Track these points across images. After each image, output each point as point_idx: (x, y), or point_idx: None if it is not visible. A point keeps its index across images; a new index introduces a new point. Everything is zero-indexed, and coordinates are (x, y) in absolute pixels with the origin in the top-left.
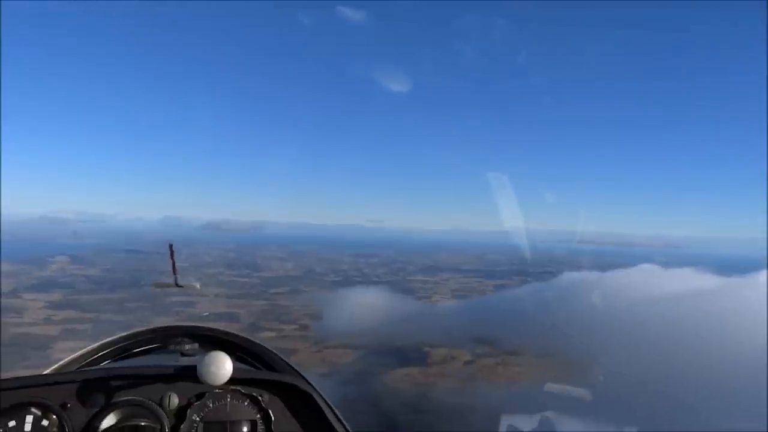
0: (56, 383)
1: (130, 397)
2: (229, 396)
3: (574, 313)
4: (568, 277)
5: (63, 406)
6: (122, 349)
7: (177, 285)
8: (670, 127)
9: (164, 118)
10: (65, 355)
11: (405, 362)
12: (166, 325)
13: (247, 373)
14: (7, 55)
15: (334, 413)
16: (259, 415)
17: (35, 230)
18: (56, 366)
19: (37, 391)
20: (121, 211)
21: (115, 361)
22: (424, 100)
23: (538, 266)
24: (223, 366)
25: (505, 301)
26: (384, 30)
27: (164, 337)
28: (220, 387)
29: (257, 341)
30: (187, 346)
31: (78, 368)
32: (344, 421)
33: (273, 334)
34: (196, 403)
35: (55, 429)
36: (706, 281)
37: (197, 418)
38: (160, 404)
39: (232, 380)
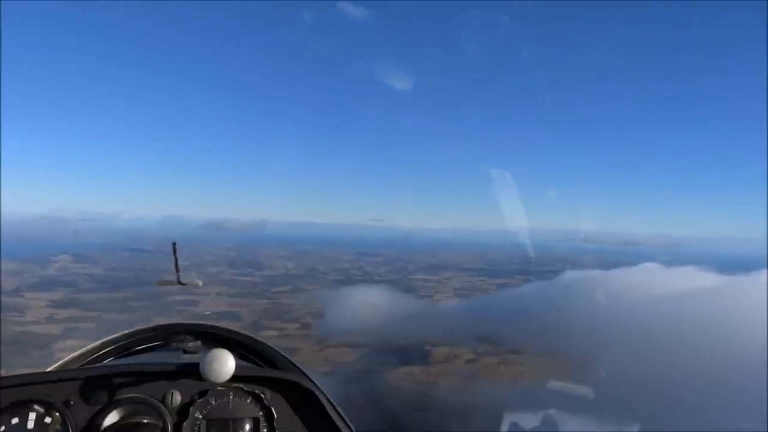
0: (59, 380)
1: (132, 395)
2: (231, 393)
3: (576, 312)
4: (570, 275)
5: (66, 403)
6: (125, 347)
7: (179, 282)
8: (672, 126)
9: (165, 116)
10: (67, 354)
11: (407, 361)
12: (168, 322)
13: (249, 370)
14: (7, 53)
15: (337, 411)
16: (261, 413)
17: (36, 229)
18: (59, 363)
19: (40, 389)
20: (123, 210)
21: (118, 358)
22: (427, 97)
23: (541, 265)
24: (225, 363)
25: (507, 300)
26: (386, 27)
27: (167, 335)
28: (223, 384)
29: (259, 339)
30: (190, 344)
31: (81, 366)
32: (346, 419)
33: (275, 332)
34: (198, 401)
35: (58, 426)
36: (707, 280)
37: (200, 416)
38: (163, 402)
39: (234, 378)
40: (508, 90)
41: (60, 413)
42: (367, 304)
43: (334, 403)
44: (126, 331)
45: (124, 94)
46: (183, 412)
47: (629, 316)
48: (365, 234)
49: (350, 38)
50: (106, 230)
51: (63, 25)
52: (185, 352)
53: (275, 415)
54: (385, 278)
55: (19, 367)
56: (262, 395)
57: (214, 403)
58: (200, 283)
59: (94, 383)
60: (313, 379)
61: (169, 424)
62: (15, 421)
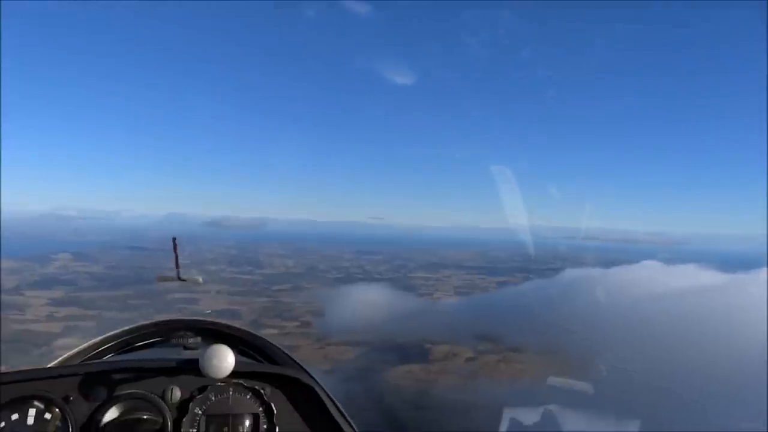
0: (59, 376)
1: (132, 391)
2: (231, 389)
3: (577, 310)
4: (571, 273)
5: (66, 399)
6: (125, 343)
7: (179, 278)
8: (673, 124)
9: (166, 115)
10: (67, 351)
11: (407, 359)
12: (168, 318)
13: (249, 366)
14: (8, 52)
15: (337, 407)
16: (261, 409)
17: (37, 227)
18: (59, 360)
19: (40, 385)
20: (124, 208)
21: (118, 354)
22: (427, 95)
23: (541, 263)
24: (225, 359)
25: (507, 298)
26: (386, 23)
27: (167, 331)
28: (223, 380)
29: (259, 335)
30: (190, 340)
31: (81, 362)
32: (346, 415)
33: (275, 331)
34: (198, 397)
35: (57, 422)
36: (708, 278)
37: (199, 412)
38: (163, 397)
39: (234, 373)
40: (509, 87)
41: (60, 409)
42: (367, 303)
43: (334, 399)
44: (126, 328)
45: (124, 93)
46: (183, 407)
47: (629, 314)
48: (365, 232)
49: (350, 36)
50: (107, 228)
51: (63, 24)
52: (185, 348)
53: (275, 411)
54: (385, 276)
55: (18, 365)
56: (262, 391)
57: (213, 398)
58: (200, 280)
59: (93, 379)
60: (313, 375)
61: (168, 419)
62: (15, 417)
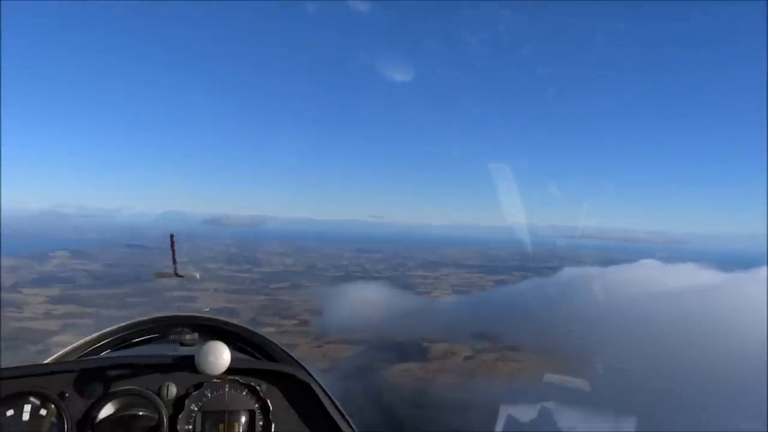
0: (55, 372)
1: (128, 387)
2: (227, 386)
3: (575, 309)
4: (569, 272)
5: (61, 395)
6: (122, 339)
7: (177, 275)
8: (673, 122)
9: (166, 112)
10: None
11: (405, 357)
12: (165, 315)
13: (245, 362)
14: (8, 49)
15: (334, 403)
16: (257, 405)
17: (36, 225)
18: (56, 356)
19: (36, 381)
20: (123, 206)
21: (115, 350)
22: (427, 92)
23: (540, 261)
24: (221, 356)
25: (505, 297)
26: (386, 20)
27: (164, 327)
28: (219, 377)
29: (257, 331)
30: (187, 336)
31: (78, 358)
32: (344, 412)
33: (273, 329)
34: (194, 393)
35: (53, 418)
36: (707, 277)
37: (195, 408)
38: (159, 394)
39: (230, 370)
40: (509, 85)
41: (55, 405)
42: (366, 301)
43: (331, 396)
44: (123, 324)
45: (124, 91)
46: (178, 404)
47: (628, 313)
48: (365, 230)
49: (350, 33)
50: (107, 226)
51: (63, 22)
52: (182, 344)
53: (271, 408)
54: (384, 275)
55: (16, 363)
56: (258, 388)
57: (209, 395)
58: (198, 276)
59: (89, 375)
60: (311, 372)
61: (164, 416)
62: (10, 413)
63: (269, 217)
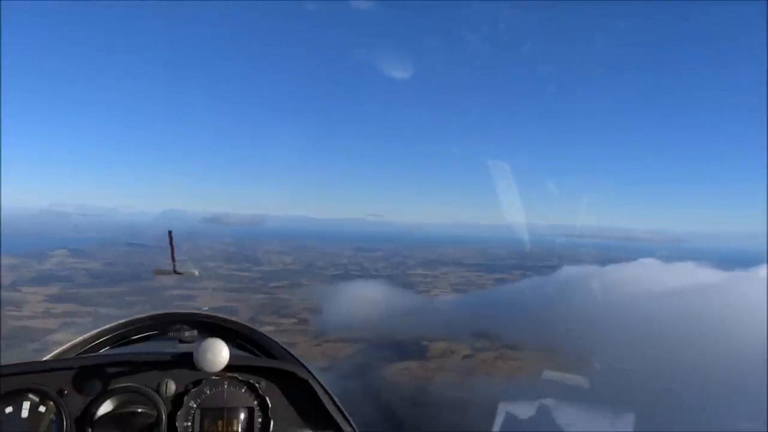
0: (53, 370)
1: (127, 384)
2: (226, 383)
3: (574, 308)
4: (568, 271)
5: (60, 392)
6: (121, 336)
7: (175, 272)
8: (673, 121)
9: (166, 111)
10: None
11: (404, 356)
12: (164, 312)
13: (244, 360)
14: (7, 49)
15: (333, 400)
16: (256, 402)
17: (35, 224)
18: (55, 353)
19: (35, 378)
20: (123, 204)
21: (114, 348)
22: (427, 90)
23: (539, 260)
24: (219, 353)
25: (504, 295)
26: (385, 18)
27: (163, 324)
28: (218, 374)
29: (256, 328)
30: (186, 333)
31: (76, 355)
32: (342, 409)
33: (272, 328)
34: (193, 390)
35: (52, 415)
36: (706, 276)
37: (194, 405)
38: (157, 391)
39: (229, 367)
40: (509, 83)
41: (54, 402)
42: (365, 300)
43: (331, 393)
44: (122, 321)
45: (124, 89)
46: (177, 401)
47: (627, 312)
48: (364, 229)
49: (349, 31)
50: (106, 225)
51: (63, 21)
52: (181, 341)
53: (270, 405)
54: (383, 273)
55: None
56: (257, 385)
57: (208, 392)
58: (197, 273)
59: (88, 372)
60: (310, 369)
61: (163, 413)
62: (9, 410)
63: (269, 216)
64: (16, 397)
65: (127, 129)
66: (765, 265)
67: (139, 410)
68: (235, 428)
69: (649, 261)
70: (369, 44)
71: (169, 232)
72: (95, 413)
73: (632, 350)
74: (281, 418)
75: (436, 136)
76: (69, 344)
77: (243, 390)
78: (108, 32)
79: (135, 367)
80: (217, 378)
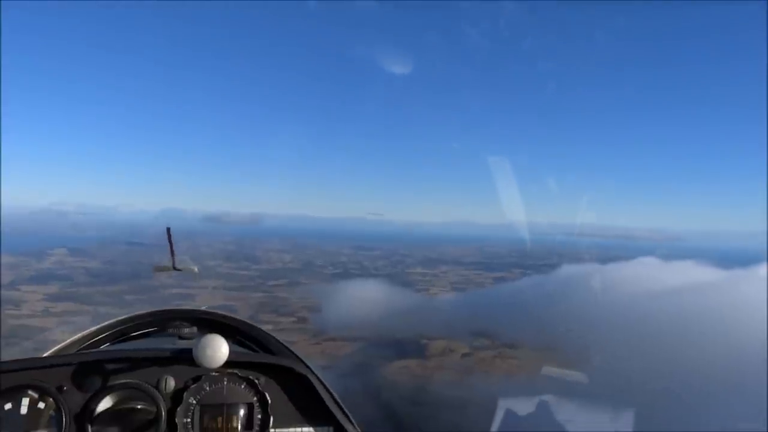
0: (53, 366)
1: (126, 380)
2: (225, 379)
3: (573, 307)
4: (567, 269)
5: (59, 389)
6: (121, 333)
7: (175, 268)
8: (673, 119)
9: (165, 110)
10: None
11: (403, 354)
12: (164, 308)
13: (243, 356)
14: (7, 48)
15: (332, 396)
16: (255, 398)
17: (35, 222)
18: (54, 349)
19: (34, 374)
20: (122, 203)
21: (114, 344)
22: (427, 88)
23: (538, 259)
24: (219, 349)
25: (503, 294)
26: (385, 15)
27: (162, 321)
28: (217, 370)
29: (255, 325)
30: (186, 330)
31: (76, 351)
32: (342, 405)
33: (271, 326)
34: (192, 386)
35: (51, 412)
36: (706, 274)
37: (194, 401)
38: (157, 387)
39: (228, 363)
40: (509, 80)
41: (53, 399)
42: (364, 298)
43: (330, 389)
44: (122, 317)
45: (123, 88)
46: (177, 397)
47: (626, 311)
48: (364, 228)
49: (349, 28)
50: (106, 224)
51: (63, 20)
52: (180, 338)
53: (269, 401)
54: (382, 272)
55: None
56: (257, 381)
57: (207, 388)
58: (196, 269)
59: (87, 369)
60: (309, 365)
61: (162, 409)
62: (8, 406)
63: (268, 215)
64: (15, 393)
65: (126, 128)
66: (765, 264)
67: (139, 406)
68: (234, 424)
69: (649, 260)
70: (368, 42)
71: (168, 229)
72: (95, 409)
73: (631, 349)
74: (281, 413)
75: (436, 134)
76: (68, 341)
77: (242, 386)
78: (108, 31)
79: (134, 363)
80: (216, 374)
